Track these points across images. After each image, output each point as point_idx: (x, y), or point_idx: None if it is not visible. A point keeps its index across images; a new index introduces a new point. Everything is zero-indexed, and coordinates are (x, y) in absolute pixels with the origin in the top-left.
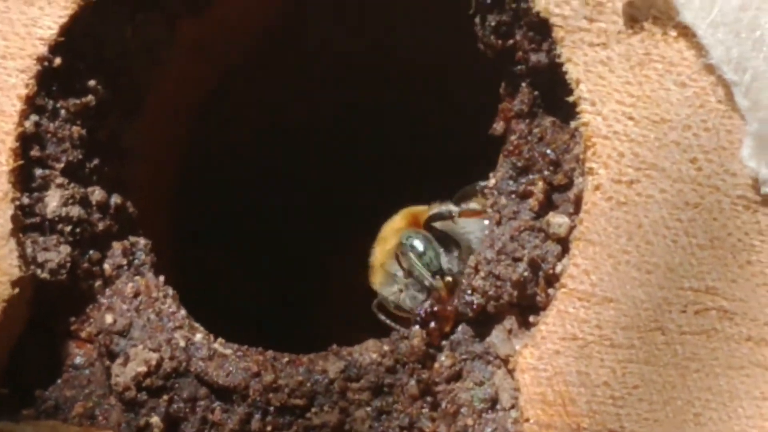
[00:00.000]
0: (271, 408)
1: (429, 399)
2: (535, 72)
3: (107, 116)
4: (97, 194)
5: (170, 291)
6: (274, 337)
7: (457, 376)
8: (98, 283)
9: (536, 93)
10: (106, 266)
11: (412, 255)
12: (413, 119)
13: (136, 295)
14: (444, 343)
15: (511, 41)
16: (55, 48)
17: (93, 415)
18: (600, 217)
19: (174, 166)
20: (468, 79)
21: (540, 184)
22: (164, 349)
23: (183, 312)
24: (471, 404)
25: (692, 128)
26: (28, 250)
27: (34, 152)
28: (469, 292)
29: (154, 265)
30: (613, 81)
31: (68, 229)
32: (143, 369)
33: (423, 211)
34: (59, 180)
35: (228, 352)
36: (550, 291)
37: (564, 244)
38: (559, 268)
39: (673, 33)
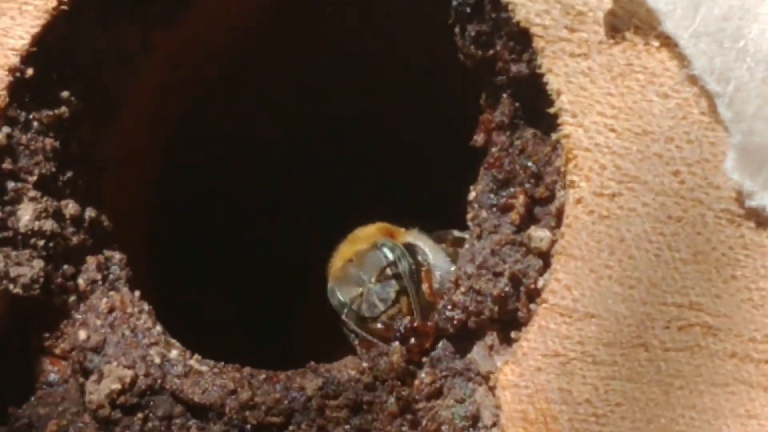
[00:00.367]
0: (248, 426)
1: (409, 417)
2: (516, 83)
3: (81, 128)
4: (70, 208)
5: (145, 306)
6: (253, 353)
7: (437, 394)
8: (72, 298)
9: (517, 104)
10: (81, 281)
11: (384, 261)
12: (394, 130)
13: (111, 310)
14: (424, 359)
15: (491, 51)
16: (27, 58)
17: None
18: (582, 231)
19: (151, 178)
20: (453, 90)
21: (521, 197)
22: (139, 365)
23: (159, 328)
24: (452, 422)
25: (675, 140)
26: (0, 265)
27: (6, 165)
28: (450, 307)
29: (130, 280)
30: (594, 92)
31: (41, 243)
32: (117, 386)
33: (398, 231)
34: (32, 193)
35: (204, 368)
36: (532, 306)
37: (546, 258)
38: (540, 282)
39: (656, 43)
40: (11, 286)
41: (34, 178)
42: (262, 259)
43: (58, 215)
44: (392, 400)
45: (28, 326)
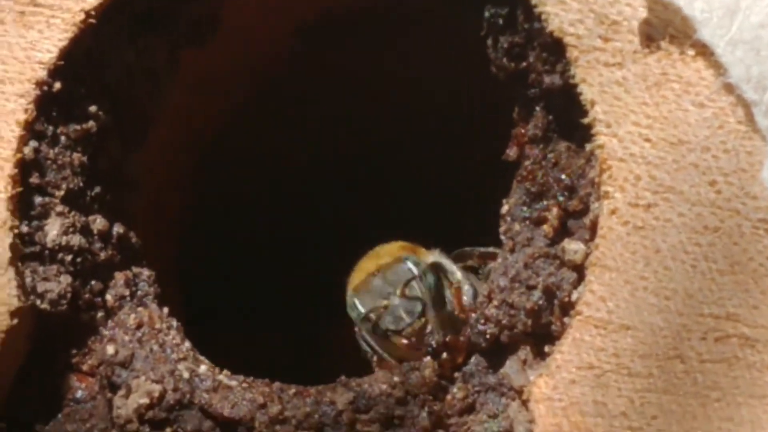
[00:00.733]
0: None
1: None
2: (549, 95)
3: (109, 144)
4: (98, 223)
5: (174, 323)
6: (281, 373)
7: (470, 409)
8: (100, 314)
9: (550, 117)
10: (108, 297)
11: (410, 275)
12: (423, 158)
13: (139, 326)
14: (456, 374)
15: (524, 63)
16: (54, 72)
17: None
18: (616, 242)
19: (180, 201)
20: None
21: (554, 210)
22: (167, 380)
23: (187, 344)
24: None
25: (711, 150)
26: (28, 280)
27: (34, 179)
28: (482, 321)
29: (158, 297)
30: (629, 102)
31: (69, 258)
32: (146, 401)
33: (420, 251)
34: (59, 208)
35: (233, 383)
36: (566, 320)
37: (580, 271)
38: (574, 296)
39: (691, 52)
40: (38, 302)
41: (62, 192)
42: (289, 282)
43: (85, 230)
44: (424, 414)
45: (55, 343)
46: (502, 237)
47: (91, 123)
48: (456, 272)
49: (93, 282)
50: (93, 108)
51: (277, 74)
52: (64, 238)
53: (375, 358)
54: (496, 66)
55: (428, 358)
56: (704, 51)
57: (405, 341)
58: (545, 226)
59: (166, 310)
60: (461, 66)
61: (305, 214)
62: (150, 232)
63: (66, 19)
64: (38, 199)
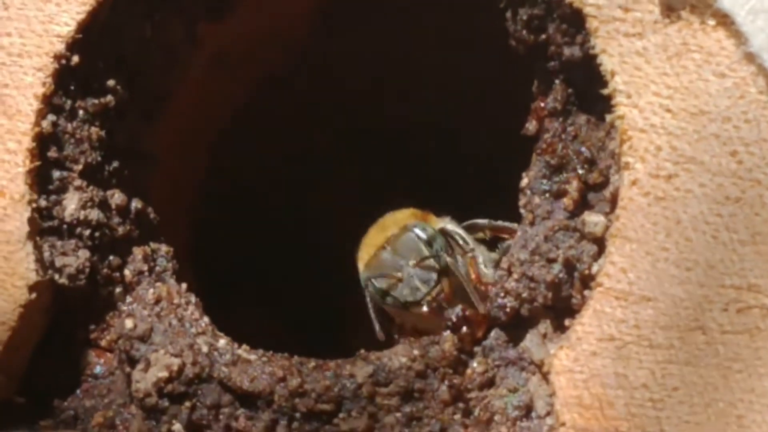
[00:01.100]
0: (297, 414)
1: (461, 405)
2: (569, 67)
3: (127, 118)
4: (116, 198)
5: (193, 298)
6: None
7: (490, 383)
8: (118, 289)
9: (570, 90)
10: (127, 272)
11: (420, 243)
12: (443, 141)
13: (158, 301)
14: (476, 348)
15: (543, 36)
16: (72, 45)
17: (113, 424)
18: (637, 213)
19: (196, 179)
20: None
21: (575, 182)
22: (186, 354)
23: (206, 319)
24: (505, 412)
25: (732, 120)
26: (46, 255)
27: (52, 153)
28: (502, 295)
29: (176, 272)
30: (649, 72)
31: (87, 233)
32: (165, 374)
33: (430, 217)
34: (77, 182)
35: (252, 357)
36: (586, 293)
37: (600, 243)
38: (595, 268)
39: (712, 22)
40: (57, 276)
41: (80, 167)
42: (305, 261)
43: (104, 205)
44: (444, 388)
45: (73, 318)
46: (522, 210)
47: (109, 97)
48: (468, 240)
49: (111, 257)
50: (111, 82)
51: (297, 52)
52: (83, 212)
53: (396, 332)
54: (515, 39)
55: (448, 331)
56: (725, 20)
57: (426, 309)
58: (565, 199)
59: (184, 285)
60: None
61: (323, 192)
62: (166, 208)
63: None
64: (56, 173)
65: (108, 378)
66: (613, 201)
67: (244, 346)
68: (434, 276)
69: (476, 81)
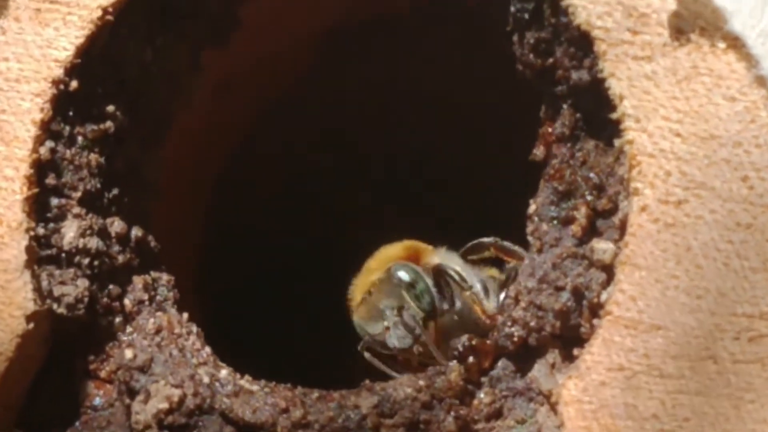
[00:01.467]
0: None
1: None
2: (577, 91)
3: (127, 145)
4: (116, 225)
5: (194, 328)
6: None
7: (497, 414)
8: (118, 319)
9: (578, 115)
10: (127, 302)
11: (402, 288)
12: (450, 168)
13: (158, 331)
14: (483, 379)
15: (550, 59)
16: (71, 70)
17: None
18: (647, 240)
19: (201, 208)
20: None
21: (583, 209)
22: (187, 385)
23: (207, 349)
24: None
25: (743, 145)
26: (44, 284)
27: (50, 180)
28: (510, 323)
29: (177, 302)
30: (658, 96)
31: (86, 261)
32: (165, 406)
33: (426, 250)
34: (76, 210)
35: (255, 388)
36: (595, 321)
37: (609, 271)
38: (604, 296)
39: (722, 45)
40: (55, 306)
41: (79, 194)
42: (310, 290)
43: (103, 233)
44: (450, 419)
45: (72, 348)
46: (530, 237)
47: (108, 123)
48: (465, 274)
49: (111, 286)
50: (110, 108)
51: (300, 79)
52: (82, 240)
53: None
54: (522, 63)
55: (454, 362)
56: (735, 43)
57: (416, 355)
58: (573, 226)
59: (185, 315)
60: (483, 68)
61: (328, 217)
62: (167, 238)
63: (83, 16)
64: (55, 201)
65: (107, 410)
66: (622, 228)
67: (247, 377)
68: (419, 321)
69: (482, 108)
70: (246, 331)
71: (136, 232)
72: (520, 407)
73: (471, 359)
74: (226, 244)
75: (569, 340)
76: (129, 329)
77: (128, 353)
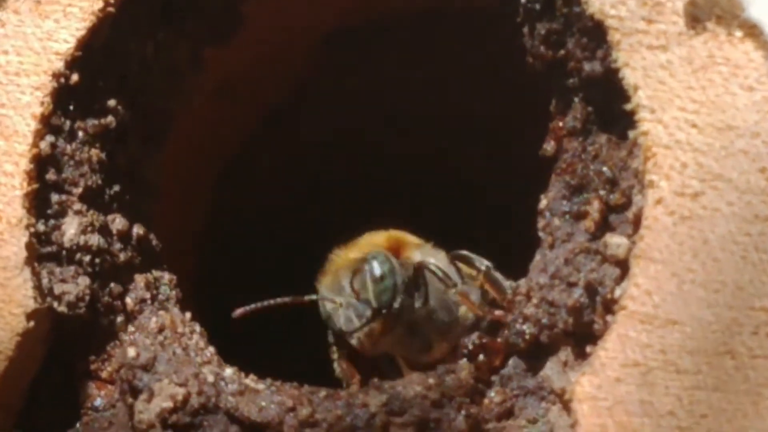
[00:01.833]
0: None
1: None
2: (589, 83)
3: (128, 142)
4: (117, 222)
5: (197, 327)
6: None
7: (508, 414)
8: (120, 318)
9: (590, 108)
10: (128, 300)
11: (368, 277)
12: (451, 177)
13: (161, 330)
14: (494, 378)
15: (562, 51)
16: (72, 64)
17: None
18: (662, 233)
19: (202, 211)
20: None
21: (596, 203)
22: (191, 383)
23: (212, 349)
24: None
25: (761, 135)
26: (44, 281)
27: (50, 176)
28: (521, 321)
29: (180, 301)
30: (674, 86)
31: (87, 259)
32: (169, 405)
33: (409, 244)
34: (77, 206)
35: (260, 387)
36: (609, 318)
37: (623, 266)
38: (618, 292)
39: (739, 33)
40: (55, 304)
41: (80, 190)
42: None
43: (104, 230)
44: (461, 418)
45: (72, 348)
46: (541, 233)
47: (110, 118)
48: (450, 273)
49: (112, 284)
50: (112, 102)
51: (301, 85)
52: (83, 237)
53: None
54: (533, 55)
55: (464, 360)
56: (752, 31)
57: (355, 342)
58: (586, 221)
59: (188, 314)
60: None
61: (331, 218)
62: (171, 240)
63: (84, 8)
64: (55, 197)
65: (109, 411)
66: (636, 223)
67: (252, 376)
68: (368, 313)
69: (485, 113)
70: (245, 334)
71: (137, 229)
72: (532, 407)
73: (481, 357)
74: (226, 245)
75: (582, 337)
76: (131, 328)
77: (131, 351)
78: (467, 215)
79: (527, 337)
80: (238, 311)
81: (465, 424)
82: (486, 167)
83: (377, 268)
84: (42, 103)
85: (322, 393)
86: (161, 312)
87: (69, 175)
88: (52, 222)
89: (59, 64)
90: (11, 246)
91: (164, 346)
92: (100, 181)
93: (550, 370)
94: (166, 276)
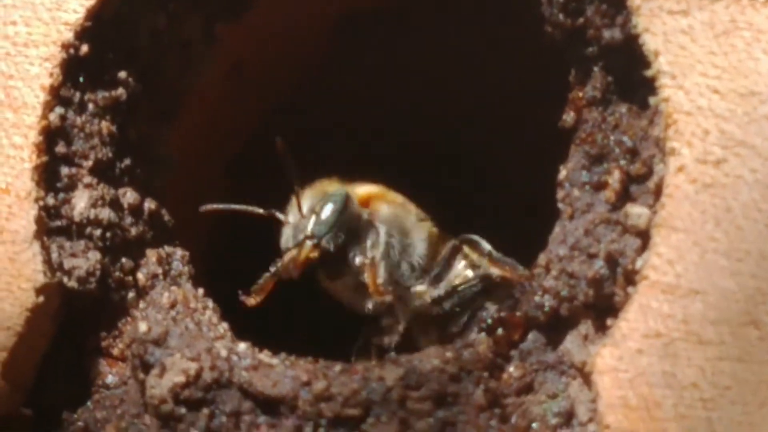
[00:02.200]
0: (323, 420)
1: (497, 411)
2: (609, 51)
3: (139, 115)
4: (129, 196)
5: (210, 303)
6: None
7: (528, 389)
8: (131, 294)
9: (609, 78)
10: (140, 276)
11: (317, 208)
12: (472, 148)
13: (173, 305)
14: (513, 352)
15: (581, 19)
16: (81, 34)
17: None
18: (684, 201)
19: (213, 193)
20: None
21: (616, 173)
22: (204, 358)
23: (225, 324)
24: (544, 419)
25: None
26: (54, 256)
27: (60, 148)
28: (540, 293)
29: (193, 277)
30: (695, 52)
31: (98, 233)
32: (181, 379)
33: (392, 201)
34: (87, 179)
35: (275, 362)
36: (630, 289)
37: (644, 237)
38: (639, 263)
39: None
40: (65, 279)
41: (90, 163)
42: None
43: (115, 204)
44: (479, 392)
45: (83, 325)
46: (560, 204)
47: (120, 90)
48: (379, 247)
49: (123, 259)
50: (122, 74)
51: (317, 66)
52: (93, 211)
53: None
54: (551, 24)
55: (483, 334)
56: None
57: (284, 260)
58: (606, 191)
59: (201, 290)
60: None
61: None
62: (183, 216)
63: None
64: (65, 170)
65: (120, 388)
66: (657, 193)
67: (266, 351)
68: (300, 237)
69: (503, 89)
70: (254, 322)
71: (149, 204)
72: (552, 381)
73: (500, 331)
74: (236, 231)
75: (602, 309)
76: (142, 304)
77: (142, 326)
78: (483, 203)
79: (547, 310)
80: (206, 207)
81: (483, 398)
82: (500, 153)
83: (328, 205)
84: (51, 75)
85: (338, 367)
86: (173, 287)
87: (79, 148)
88: (61, 195)
89: (68, 35)
90: (20, 219)
91: (176, 321)
92: (110, 154)
93: (570, 343)
94: (179, 252)
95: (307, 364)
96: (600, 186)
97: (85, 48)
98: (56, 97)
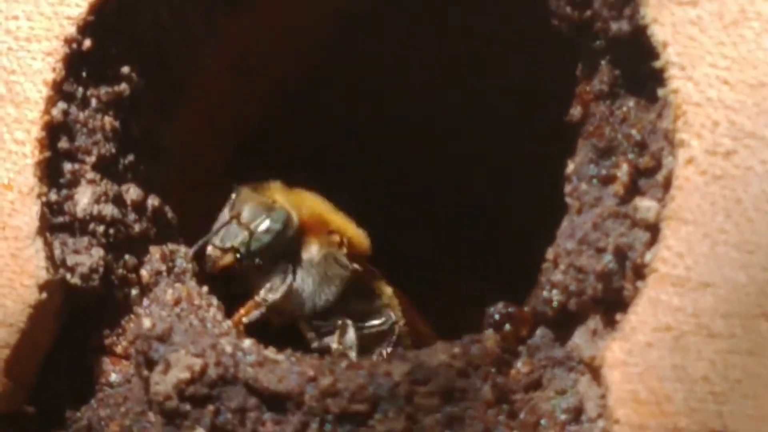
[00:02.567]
0: (329, 416)
1: (505, 407)
2: (616, 45)
3: (142, 110)
4: (132, 192)
5: (214, 300)
6: None
7: (536, 385)
8: (135, 291)
9: (617, 71)
10: (144, 273)
11: (258, 221)
12: (479, 140)
13: (177, 302)
14: (521, 348)
15: (588, 11)
16: (84, 28)
17: None
18: (694, 194)
19: (216, 187)
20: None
21: (625, 166)
22: (209, 354)
23: (229, 322)
24: (552, 415)
25: None
26: (57, 252)
27: (63, 144)
28: (548, 288)
29: (197, 275)
30: (704, 42)
31: (101, 229)
32: (186, 376)
33: (332, 220)
34: (90, 175)
35: (280, 358)
36: (639, 283)
37: (653, 230)
38: (648, 257)
39: None
40: (68, 276)
41: (93, 159)
42: None
43: (118, 200)
44: (487, 387)
45: (86, 322)
46: (568, 198)
47: (123, 85)
48: (278, 293)
49: (127, 256)
50: (125, 69)
51: (320, 58)
52: (96, 207)
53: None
54: (558, 16)
55: (490, 330)
56: None
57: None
58: (615, 185)
59: (205, 288)
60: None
61: (347, 198)
62: (186, 213)
63: None
64: (68, 166)
65: (124, 386)
66: (666, 186)
67: (271, 347)
68: (227, 245)
69: (512, 83)
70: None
71: (152, 200)
72: (560, 377)
73: (507, 327)
74: None
75: (611, 304)
76: (146, 302)
77: (146, 322)
78: (489, 199)
79: (555, 305)
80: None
81: (491, 394)
82: (509, 149)
83: (266, 224)
84: (54, 69)
85: (344, 363)
86: (177, 284)
87: (82, 144)
88: (64, 191)
89: (71, 29)
90: (23, 216)
91: (180, 317)
92: (113, 150)
93: (579, 339)
94: (183, 249)
95: (313, 360)
96: (608, 180)
97: (87, 43)
98: (59, 92)
